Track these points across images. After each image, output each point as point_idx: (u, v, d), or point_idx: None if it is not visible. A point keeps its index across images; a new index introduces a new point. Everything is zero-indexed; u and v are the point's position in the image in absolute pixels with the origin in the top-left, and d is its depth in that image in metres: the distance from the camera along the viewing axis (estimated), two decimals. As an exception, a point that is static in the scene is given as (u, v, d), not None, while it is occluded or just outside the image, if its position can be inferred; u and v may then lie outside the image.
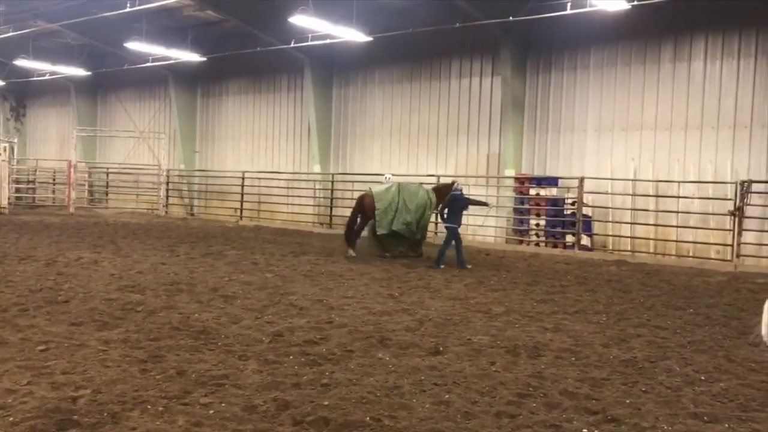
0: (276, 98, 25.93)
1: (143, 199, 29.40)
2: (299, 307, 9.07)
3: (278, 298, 9.67)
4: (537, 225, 18.68)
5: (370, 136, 23.07)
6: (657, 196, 16.96)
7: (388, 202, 14.92)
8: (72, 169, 27.56)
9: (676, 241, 16.67)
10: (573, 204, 17.72)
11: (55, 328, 7.38)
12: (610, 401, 5.51)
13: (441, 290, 10.92)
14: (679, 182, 16.54)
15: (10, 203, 26.05)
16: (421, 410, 5.17)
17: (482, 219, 17.09)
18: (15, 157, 29.68)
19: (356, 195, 21.55)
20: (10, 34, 24.93)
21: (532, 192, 18.53)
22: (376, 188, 15.47)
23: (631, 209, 17.33)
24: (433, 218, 16.86)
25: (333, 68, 23.81)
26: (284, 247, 16.61)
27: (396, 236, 15.10)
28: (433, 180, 19.29)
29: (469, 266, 13.65)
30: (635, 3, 15.15)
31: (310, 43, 20.22)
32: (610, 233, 17.85)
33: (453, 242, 13.86)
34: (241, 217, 25.29)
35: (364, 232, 15.57)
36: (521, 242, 18.71)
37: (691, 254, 16.43)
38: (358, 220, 15.51)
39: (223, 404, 5.17)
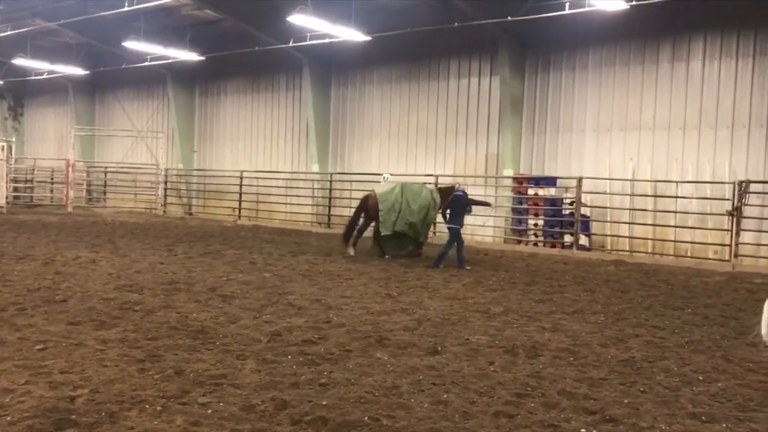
0: (274, 98, 25.92)
1: (141, 199, 29.37)
2: (297, 306, 9.07)
3: (276, 297, 9.66)
4: (535, 225, 18.69)
5: (369, 135, 23.07)
6: (655, 196, 16.98)
7: (391, 202, 14.85)
8: (70, 169, 27.52)
9: (675, 241, 16.69)
10: (571, 204, 17.73)
11: (53, 327, 7.37)
12: (609, 401, 5.51)
13: (439, 290, 10.92)
14: (677, 182, 16.56)
15: (8, 202, 26.01)
16: (420, 410, 5.17)
17: (482, 219, 17.10)
18: (13, 156, 29.63)
19: (355, 195, 21.68)
20: (8, 32, 24.91)
21: (531, 192, 18.54)
22: (379, 189, 15.41)
23: (630, 209, 17.34)
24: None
25: (331, 68, 23.81)
26: (282, 246, 16.60)
27: (400, 236, 15.08)
28: (432, 180, 19.32)
29: (468, 267, 13.64)
30: (633, 3, 15.16)
31: (308, 42, 20.21)
32: (609, 233, 17.86)
33: (456, 242, 13.85)
34: (239, 217, 25.27)
35: (367, 233, 15.55)
36: (519, 242, 18.72)
37: (689, 254, 16.45)
38: (361, 220, 15.49)
39: (221, 404, 5.16)
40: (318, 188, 23.55)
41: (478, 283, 11.75)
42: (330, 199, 22.98)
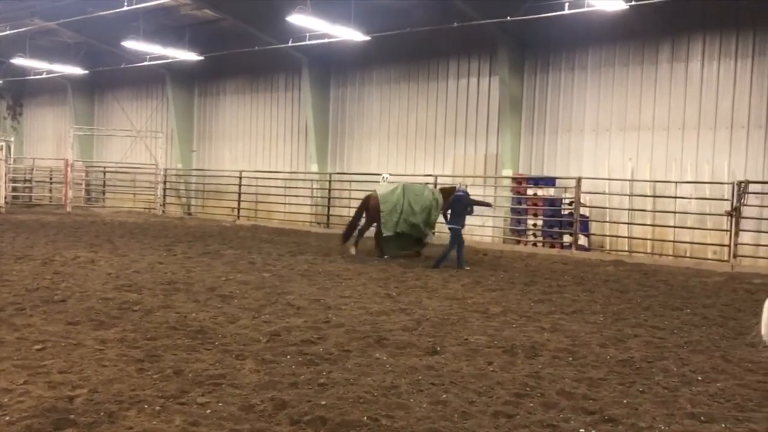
0: (273, 97, 25.91)
1: (140, 199, 29.37)
2: (296, 306, 9.06)
3: (275, 297, 9.66)
4: (534, 225, 18.70)
5: (368, 135, 23.07)
6: (654, 196, 16.98)
7: (393, 203, 14.79)
8: (69, 168, 27.50)
9: (674, 241, 16.70)
10: (570, 204, 17.73)
11: (52, 327, 7.36)
12: (608, 401, 5.51)
13: (438, 290, 10.92)
14: (676, 182, 16.57)
15: (6, 202, 25.99)
16: (419, 410, 5.17)
17: (482, 220, 17.09)
18: (12, 155, 29.61)
19: (354, 195, 21.69)
20: (7, 32, 24.88)
21: (530, 192, 18.53)
22: (380, 189, 15.37)
23: (629, 209, 17.34)
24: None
25: (331, 68, 23.80)
26: (281, 246, 16.60)
27: (401, 237, 15.05)
28: (431, 180, 19.32)
29: (468, 267, 13.64)
30: (633, 3, 15.17)
31: (307, 42, 20.20)
32: (608, 233, 17.86)
33: (456, 243, 13.83)
34: (238, 217, 25.26)
35: (368, 233, 15.53)
36: (519, 242, 18.72)
37: (688, 254, 16.45)
38: (363, 221, 15.46)
39: (220, 404, 5.16)
40: (317, 188, 23.54)
41: (477, 283, 11.75)
42: (329, 199, 22.97)
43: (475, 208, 14.50)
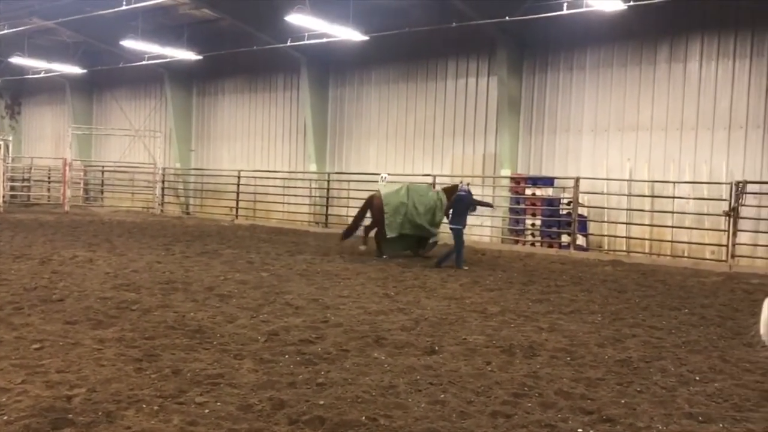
0: (272, 97, 25.90)
1: (139, 198, 29.36)
2: (295, 306, 9.06)
3: (274, 297, 9.66)
4: (533, 225, 18.71)
5: (367, 135, 23.06)
6: (652, 196, 16.99)
7: (396, 204, 14.71)
8: (67, 167, 27.47)
9: (672, 241, 16.71)
10: (569, 204, 17.75)
11: (50, 326, 7.36)
12: (606, 401, 5.52)
13: (437, 290, 10.92)
14: (674, 183, 16.58)
15: (4, 201, 25.96)
16: (417, 410, 5.17)
17: (480, 219, 17.09)
18: (10, 154, 29.60)
19: (353, 195, 21.70)
20: (6, 31, 24.85)
21: (528, 192, 18.54)
22: (384, 189, 15.32)
23: (627, 209, 17.36)
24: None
25: (329, 68, 23.80)
26: (280, 246, 16.59)
27: (403, 237, 15.02)
28: (430, 180, 19.32)
29: (466, 267, 13.64)
30: (631, 3, 15.18)
31: (306, 42, 20.19)
32: (606, 233, 17.88)
33: (456, 243, 13.83)
34: (236, 216, 25.25)
35: (371, 234, 15.53)
36: (517, 242, 18.73)
37: (686, 254, 16.47)
38: (368, 220, 15.43)
39: (218, 403, 5.16)
40: (315, 188, 23.54)
41: (476, 283, 11.75)
42: (327, 198, 22.97)
43: (477, 208, 14.50)
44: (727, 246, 15.29)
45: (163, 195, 28.54)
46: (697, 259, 15.95)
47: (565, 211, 18.06)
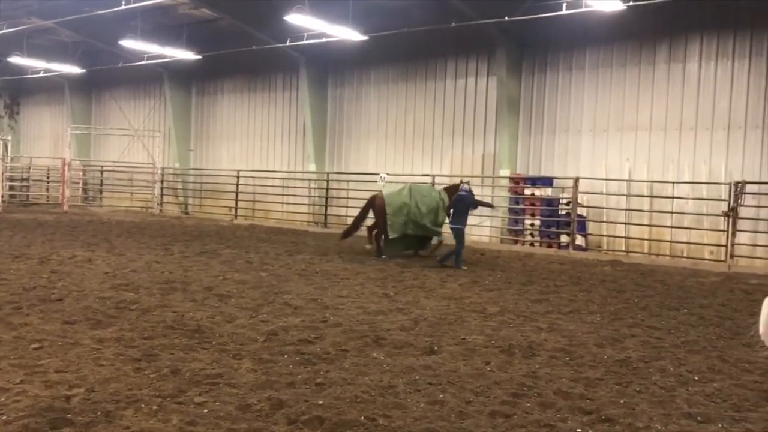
0: (271, 97, 25.90)
1: (138, 198, 29.35)
2: (294, 306, 9.06)
3: (273, 297, 9.65)
4: (532, 225, 18.71)
5: (366, 135, 23.07)
6: (651, 196, 17.00)
7: (398, 205, 14.66)
8: (66, 167, 27.45)
9: (671, 241, 16.72)
10: (568, 204, 17.75)
11: (49, 326, 7.35)
12: (604, 401, 5.52)
13: (436, 290, 10.92)
14: (673, 183, 16.59)
15: (3, 201, 25.95)
16: (416, 410, 5.17)
17: (478, 219, 17.08)
18: (9, 154, 29.57)
19: (352, 195, 21.71)
20: (5, 31, 24.80)
21: (527, 192, 18.54)
22: (386, 190, 15.28)
23: (626, 209, 17.37)
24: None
25: (328, 67, 23.80)
26: (279, 246, 16.59)
27: (407, 237, 15.01)
28: (429, 180, 19.33)
29: (465, 267, 13.64)
30: (630, 4, 15.19)
31: (305, 42, 20.19)
32: (605, 233, 17.89)
33: (456, 243, 13.83)
34: (235, 216, 25.24)
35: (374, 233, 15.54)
36: (516, 242, 18.73)
37: (685, 255, 16.48)
38: (372, 221, 15.42)
39: (217, 403, 5.16)
40: (315, 188, 23.54)
41: (475, 283, 11.75)
42: (326, 198, 22.96)
43: (477, 207, 14.48)
44: (726, 246, 15.30)
45: (162, 195, 28.53)
46: (696, 259, 15.95)
47: (564, 211, 18.06)
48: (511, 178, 19.05)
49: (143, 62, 25.07)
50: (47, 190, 32.28)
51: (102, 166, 31.20)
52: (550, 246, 18.08)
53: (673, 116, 17.03)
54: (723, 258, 15.38)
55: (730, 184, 15.31)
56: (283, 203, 24.15)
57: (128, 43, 22.96)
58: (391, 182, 16.42)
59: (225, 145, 27.55)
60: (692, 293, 11.47)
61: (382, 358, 6.61)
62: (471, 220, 15.90)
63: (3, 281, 10.01)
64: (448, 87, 20.97)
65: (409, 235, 14.99)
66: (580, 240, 17.57)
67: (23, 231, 17.68)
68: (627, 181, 17.42)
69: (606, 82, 18.08)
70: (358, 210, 15.99)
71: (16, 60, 27.86)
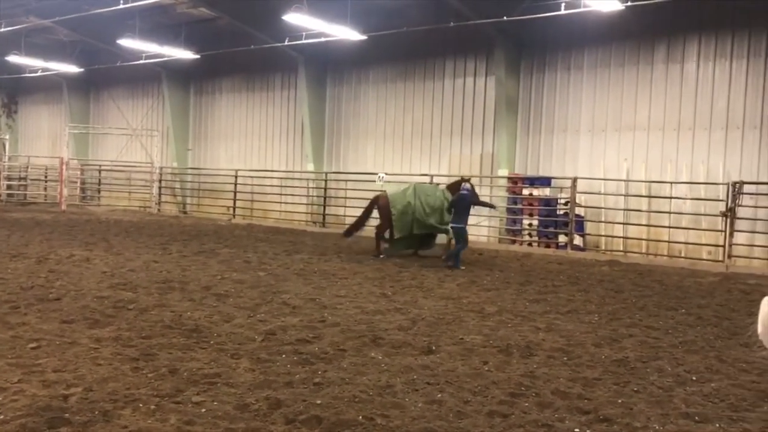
0: (270, 96, 25.88)
1: (136, 197, 29.32)
2: (292, 305, 9.06)
3: (271, 296, 9.65)
4: (530, 225, 18.72)
5: (364, 135, 23.06)
6: (649, 196, 17.02)
7: (403, 205, 14.65)
8: (64, 166, 27.43)
9: (668, 241, 16.74)
10: (566, 204, 17.76)
11: (47, 325, 7.34)
12: (602, 401, 5.52)
13: (434, 289, 10.92)
14: (671, 183, 16.61)
15: (1, 200, 25.94)
16: (414, 409, 5.17)
17: (476, 219, 17.07)
18: (6, 153, 29.56)
19: (350, 194, 21.71)
20: (2, 29, 24.77)
21: (525, 192, 18.55)
22: (390, 190, 15.26)
23: (624, 209, 17.39)
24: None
25: (327, 67, 23.79)
26: (277, 245, 16.58)
27: (410, 237, 14.99)
28: (427, 180, 19.33)
29: (463, 267, 13.64)
30: (629, 4, 15.20)
31: (304, 41, 20.17)
32: (603, 233, 17.90)
33: (457, 242, 13.82)
34: (233, 216, 25.23)
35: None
36: (514, 242, 18.74)
37: (682, 255, 16.50)
38: (377, 221, 15.41)
39: (215, 403, 5.15)
40: (313, 187, 23.53)
41: (473, 283, 11.76)
42: (325, 198, 22.95)
43: (478, 208, 14.46)
44: (723, 246, 15.32)
45: (160, 194, 28.49)
46: (694, 259, 15.97)
47: (562, 211, 18.07)
48: (509, 178, 19.06)
49: (141, 61, 25.04)
50: (45, 189, 32.24)
51: (100, 166, 31.16)
52: (548, 246, 18.09)
53: (671, 116, 17.05)
54: (721, 258, 15.40)
55: (728, 184, 15.33)
56: (281, 203, 24.15)
57: (126, 42, 22.94)
58: (389, 182, 16.40)
59: (223, 145, 27.53)
60: (690, 293, 11.48)
61: (380, 357, 6.61)
62: (470, 219, 15.91)
63: (0, 280, 9.99)
64: (447, 87, 20.97)
65: (413, 234, 14.98)
66: (578, 240, 17.58)
67: (21, 230, 17.66)
68: (625, 181, 17.44)
69: (604, 82, 18.09)
70: (357, 209, 15.97)
71: (13, 59, 27.81)
